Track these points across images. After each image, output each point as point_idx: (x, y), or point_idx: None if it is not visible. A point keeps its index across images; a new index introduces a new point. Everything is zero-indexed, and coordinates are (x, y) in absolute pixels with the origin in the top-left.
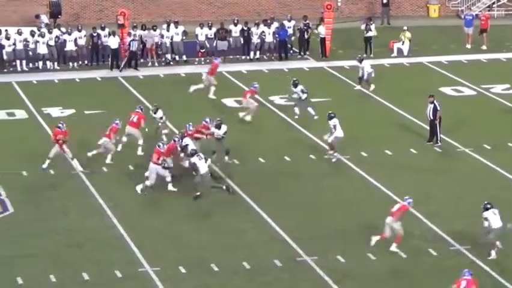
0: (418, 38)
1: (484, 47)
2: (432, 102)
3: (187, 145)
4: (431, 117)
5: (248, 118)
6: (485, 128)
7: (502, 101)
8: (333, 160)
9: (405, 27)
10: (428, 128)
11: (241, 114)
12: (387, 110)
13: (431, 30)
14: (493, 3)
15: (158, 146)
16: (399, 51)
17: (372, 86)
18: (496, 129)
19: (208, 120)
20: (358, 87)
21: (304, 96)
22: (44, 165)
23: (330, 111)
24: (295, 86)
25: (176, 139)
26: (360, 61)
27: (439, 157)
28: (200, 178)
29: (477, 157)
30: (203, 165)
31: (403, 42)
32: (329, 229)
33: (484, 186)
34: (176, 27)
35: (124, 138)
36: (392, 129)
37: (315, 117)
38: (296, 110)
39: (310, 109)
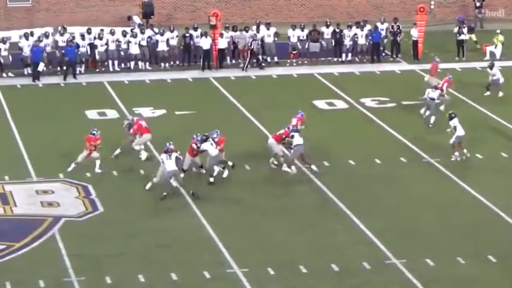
0: (509, 41)
1: None
2: None
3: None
4: None
5: None
6: None
7: None
8: (454, 159)
9: (498, 31)
10: None
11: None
12: (479, 113)
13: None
14: None
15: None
16: (492, 54)
17: (501, 93)
18: None
19: (195, 136)
20: (487, 93)
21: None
22: (69, 169)
23: (450, 111)
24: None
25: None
26: (491, 67)
27: None
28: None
29: None
30: (170, 164)
31: (496, 46)
32: (418, 232)
33: None
34: (268, 29)
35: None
36: (484, 132)
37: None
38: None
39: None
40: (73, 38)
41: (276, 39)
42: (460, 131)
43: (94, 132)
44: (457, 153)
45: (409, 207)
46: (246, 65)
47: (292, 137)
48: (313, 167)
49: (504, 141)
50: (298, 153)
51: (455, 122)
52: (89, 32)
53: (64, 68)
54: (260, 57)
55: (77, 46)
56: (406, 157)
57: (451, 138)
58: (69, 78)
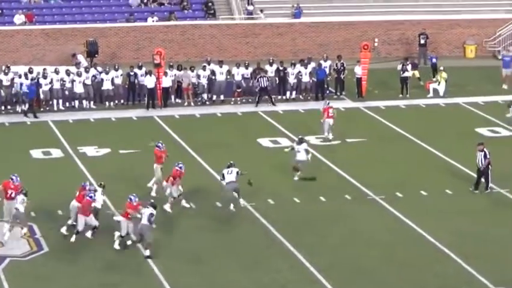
0: (454, 79)
1: None
2: (482, 150)
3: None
4: (482, 165)
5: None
6: None
7: None
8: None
9: (441, 68)
10: (474, 174)
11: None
12: (423, 151)
13: (467, 70)
14: None
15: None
16: (435, 91)
17: None
18: None
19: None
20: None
21: None
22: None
23: (300, 136)
24: None
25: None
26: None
27: (475, 199)
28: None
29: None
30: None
31: (439, 83)
32: (363, 269)
33: None
34: (221, 67)
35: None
36: (428, 170)
37: None
38: None
39: None
40: (29, 77)
41: (228, 77)
42: (301, 156)
43: (159, 144)
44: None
45: (354, 244)
46: (256, 102)
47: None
48: (241, 201)
49: (449, 177)
50: (230, 191)
51: (303, 146)
52: (30, 71)
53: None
54: (205, 95)
55: (38, 84)
56: (351, 194)
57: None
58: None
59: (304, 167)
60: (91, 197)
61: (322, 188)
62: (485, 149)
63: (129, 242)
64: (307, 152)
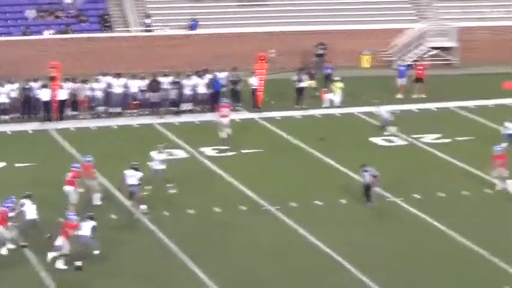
0: (350, 88)
1: (423, 96)
2: (365, 171)
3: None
4: (368, 183)
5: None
6: (414, 178)
7: (431, 150)
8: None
9: (337, 78)
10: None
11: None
12: (318, 161)
13: (363, 80)
14: (425, 53)
15: None
16: (331, 101)
17: None
18: (426, 178)
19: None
20: None
21: None
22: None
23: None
24: None
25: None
26: None
27: (369, 209)
28: None
29: (407, 207)
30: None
31: (335, 93)
32: (259, 279)
33: (412, 235)
34: (118, 79)
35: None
36: (323, 180)
37: None
38: None
39: None
40: None
41: (125, 89)
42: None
43: None
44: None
45: (250, 255)
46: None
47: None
48: (143, 207)
49: (343, 187)
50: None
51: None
52: None
53: None
54: (101, 108)
55: None
56: (246, 205)
57: None
58: None
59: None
60: (7, 207)
61: (217, 199)
62: (370, 168)
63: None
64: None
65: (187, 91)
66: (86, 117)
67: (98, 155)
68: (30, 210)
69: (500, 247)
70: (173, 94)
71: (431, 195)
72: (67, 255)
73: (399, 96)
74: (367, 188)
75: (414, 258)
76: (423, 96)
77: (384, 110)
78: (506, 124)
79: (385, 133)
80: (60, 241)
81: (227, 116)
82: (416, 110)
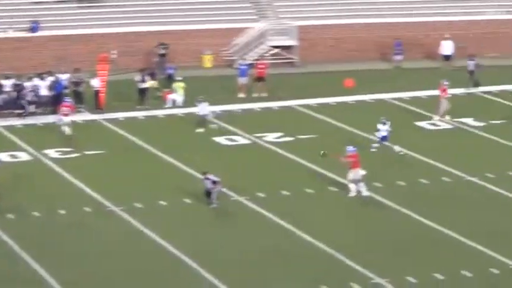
0: (192, 89)
1: (264, 95)
2: (206, 179)
3: None
4: (208, 189)
5: None
6: (258, 176)
7: (274, 148)
8: None
9: (179, 78)
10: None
11: None
12: (163, 162)
13: (204, 80)
14: (266, 52)
15: None
16: (174, 102)
17: None
18: (270, 177)
19: None
20: None
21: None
22: None
23: None
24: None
25: None
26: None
27: (211, 210)
28: None
29: (252, 205)
30: None
31: (177, 93)
32: (104, 280)
33: (254, 235)
34: None
35: None
36: (169, 180)
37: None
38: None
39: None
40: None
41: None
42: None
43: None
44: None
45: (96, 256)
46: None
47: None
48: None
49: (188, 187)
50: None
51: None
52: None
53: None
54: None
55: None
56: (90, 206)
57: None
58: None
59: None
60: None
61: (61, 201)
62: (210, 175)
63: None
64: None
65: (29, 93)
66: None
67: None
68: None
69: (344, 243)
70: (15, 96)
71: (275, 194)
72: None
73: (241, 95)
74: (208, 194)
75: (261, 256)
76: (265, 95)
77: (205, 106)
78: (379, 126)
79: (197, 130)
80: None
81: (68, 115)
82: (258, 109)
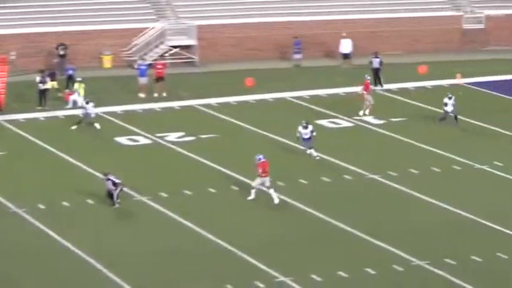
0: (92, 89)
1: (164, 94)
2: (107, 179)
3: None
4: (110, 190)
5: None
6: (160, 176)
7: (176, 148)
8: None
9: (79, 79)
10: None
11: None
12: (65, 163)
13: (104, 80)
14: (166, 52)
15: None
16: (75, 102)
17: None
18: (172, 176)
19: None
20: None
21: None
22: None
23: None
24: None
25: None
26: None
27: (117, 209)
28: None
29: (154, 205)
30: None
31: (79, 94)
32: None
33: (157, 234)
34: None
35: None
36: (72, 181)
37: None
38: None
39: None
40: None
41: None
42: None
43: None
44: None
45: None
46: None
47: None
48: None
49: (89, 188)
50: None
51: None
52: None
53: None
54: None
55: None
56: None
57: None
58: None
59: None
60: None
61: None
62: (112, 176)
63: None
64: None
65: None
66: None
67: None
68: None
69: (248, 242)
70: None
71: (178, 194)
72: None
73: (141, 95)
74: (110, 195)
75: (165, 256)
76: (165, 95)
77: (91, 106)
78: (300, 129)
79: (73, 127)
80: None
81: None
82: (159, 109)
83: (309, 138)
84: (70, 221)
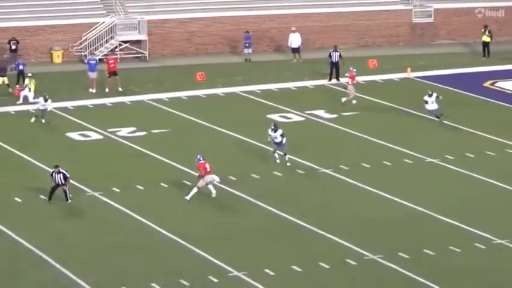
0: (43, 85)
1: (120, 89)
2: (58, 172)
3: None
4: (58, 184)
5: None
6: (112, 171)
7: (128, 143)
8: None
9: (29, 74)
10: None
11: None
12: (19, 159)
13: (55, 76)
14: (116, 47)
15: None
16: (25, 98)
17: None
18: (124, 172)
19: None
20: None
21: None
22: None
23: None
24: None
25: None
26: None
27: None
28: None
29: (107, 200)
30: None
31: (30, 89)
32: None
33: (111, 229)
34: None
35: None
36: (24, 177)
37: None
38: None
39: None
40: None
41: None
42: None
43: None
44: None
45: None
46: None
47: None
48: None
49: (41, 184)
50: None
51: None
52: None
53: None
54: None
55: None
56: None
57: None
58: None
59: None
60: None
61: None
62: (62, 170)
63: None
64: None
65: None
66: None
67: None
68: None
69: (200, 236)
70: None
71: (130, 188)
72: None
73: (91, 90)
74: (54, 188)
75: (117, 251)
76: (120, 89)
77: (49, 103)
78: (269, 132)
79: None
80: None
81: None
82: (110, 104)
83: (281, 142)
84: (22, 217)
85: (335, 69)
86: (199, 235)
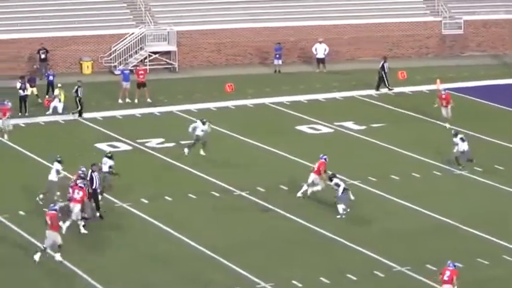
0: (73, 96)
1: (149, 100)
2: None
3: None
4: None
5: None
6: (141, 182)
7: (156, 154)
8: None
9: (59, 85)
10: None
11: None
12: (43, 167)
13: (85, 87)
14: (145, 58)
15: None
16: (54, 108)
17: None
18: (152, 182)
19: None
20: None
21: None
22: None
23: None
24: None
25: None
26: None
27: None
28: None
29: (135, 211)
30: None
31: (60, 100)
32: None
33: (139, 240)
34: None
35: None
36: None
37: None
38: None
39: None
40: None
41: None
42: None
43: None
44: None
45: None
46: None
47: None
48: None
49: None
50: None
51: None
52: None
53: None
54: None
55: None
56: None
57: None
58: None
59: None
60: None
61: None
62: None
63: None
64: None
65: None
66: None
67: None
68: None
69: (226, 247)
70: None
71: (159, 199)
72: None
73: (121, 101)
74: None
75: (147, 262)
76: (149, 100)
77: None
78: (197, 124)
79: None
80: None
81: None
82: (139, 115)
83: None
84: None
85: (385, 79)
86: (227, 246)
